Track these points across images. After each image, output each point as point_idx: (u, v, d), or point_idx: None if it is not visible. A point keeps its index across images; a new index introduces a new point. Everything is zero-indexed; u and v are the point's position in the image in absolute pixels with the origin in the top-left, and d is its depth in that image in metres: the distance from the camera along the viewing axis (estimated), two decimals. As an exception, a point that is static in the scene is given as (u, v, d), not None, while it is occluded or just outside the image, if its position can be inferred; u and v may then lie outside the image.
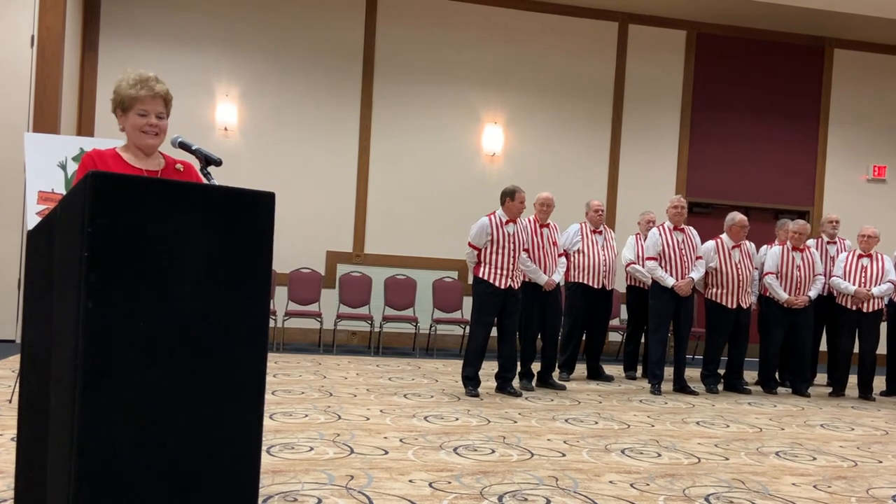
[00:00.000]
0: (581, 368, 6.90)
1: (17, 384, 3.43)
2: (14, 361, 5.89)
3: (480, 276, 5.52)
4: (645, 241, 6.63)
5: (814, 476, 3.65)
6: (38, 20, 7.13)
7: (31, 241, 2.27)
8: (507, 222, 5.57)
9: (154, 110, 2.36)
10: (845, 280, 6.55)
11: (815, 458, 4.05)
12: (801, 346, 6.56)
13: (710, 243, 6.44)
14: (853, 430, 5.02)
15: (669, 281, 6.15)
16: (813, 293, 6.56)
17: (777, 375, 6.79)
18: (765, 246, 7.01)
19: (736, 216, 6.45)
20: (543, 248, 6.01)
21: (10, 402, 4.31)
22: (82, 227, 1.71)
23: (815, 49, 9.52)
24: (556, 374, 6.34)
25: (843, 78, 9.56)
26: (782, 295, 6.47)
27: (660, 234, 6.28)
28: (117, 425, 1.73)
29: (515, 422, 4.59)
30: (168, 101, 2.40)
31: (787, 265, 6.52)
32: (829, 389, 6.76)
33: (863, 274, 6.52)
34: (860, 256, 6.58)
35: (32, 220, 4.26)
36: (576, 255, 6.60)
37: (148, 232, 1.78)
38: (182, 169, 2.48)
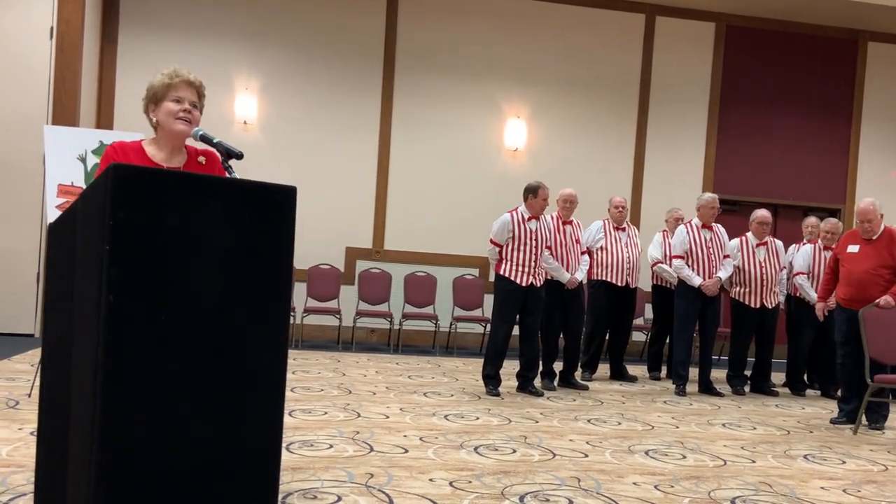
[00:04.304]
0: (604, 368, 6.82)
1: (37, 378, 3.45)
2: (34, 356, 5.92)
3: (502, 273, 5.45)
4: (672, 238, 6.53)
5: (843, 480, 3.57)
6: (57, 12, 7.13)
7: (51, 235, 2.26)
8: (529, 219, 5.50)
9: (188, 98, 2.34)
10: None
11: (844, 462, 3.96)
12: (831, 348, 6.41)
13: (735, 241, 6.32)
14: (884, 433, 4.90)
15: (696, 280, 6.04)
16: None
17: (805, 377, 6.66)
18: (794, 245, 6.87)
19: (757, 213, 6.33)
20: (566, 245, 5.94)
21: (30, 396, 4.33)
22: (103, 221, 1.70)
23: (848, 42, 9.31)
24: (578, 373, 6.27)
25: (877, 72, 9.34)
26: (813, 296, 6.32)
27: (687, 232, 6.16)
28: (138, 419, 1.73)
29: (537, 421, 4.53)
30: (202, 93, 2.40)
31: (819, 265, 6.37)
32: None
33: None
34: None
35: (52, 214, 4.26)
36: (599, 253, 6.51)
37: (169, 225, 1.78)
38: (204, 161, 2.45)
